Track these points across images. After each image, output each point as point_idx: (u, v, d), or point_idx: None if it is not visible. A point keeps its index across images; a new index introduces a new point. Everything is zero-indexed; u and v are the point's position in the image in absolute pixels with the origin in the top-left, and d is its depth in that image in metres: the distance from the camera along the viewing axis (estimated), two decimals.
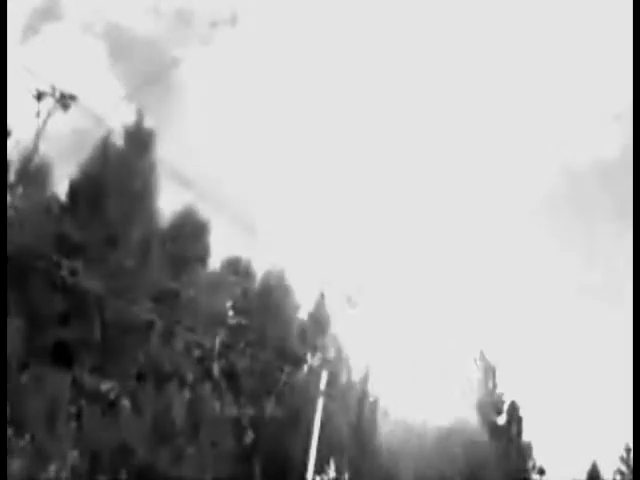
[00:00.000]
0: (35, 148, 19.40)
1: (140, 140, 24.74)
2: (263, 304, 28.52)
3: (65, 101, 17.33)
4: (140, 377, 22.67)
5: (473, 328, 40.28)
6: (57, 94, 17.62)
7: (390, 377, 34.43)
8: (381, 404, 33.87)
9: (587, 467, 45.11)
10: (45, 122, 18.00)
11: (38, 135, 18.57)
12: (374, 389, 33.84)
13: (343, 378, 31.38)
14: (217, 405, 25.08)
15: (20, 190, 21.32)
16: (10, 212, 20.36)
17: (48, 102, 17.91)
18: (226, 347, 25.94)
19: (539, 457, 44.42)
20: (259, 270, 29.89)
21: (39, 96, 17.73)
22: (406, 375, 35.72)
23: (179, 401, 23.34)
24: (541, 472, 43.96)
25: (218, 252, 27.95)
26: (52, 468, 18.87)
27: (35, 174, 22.19)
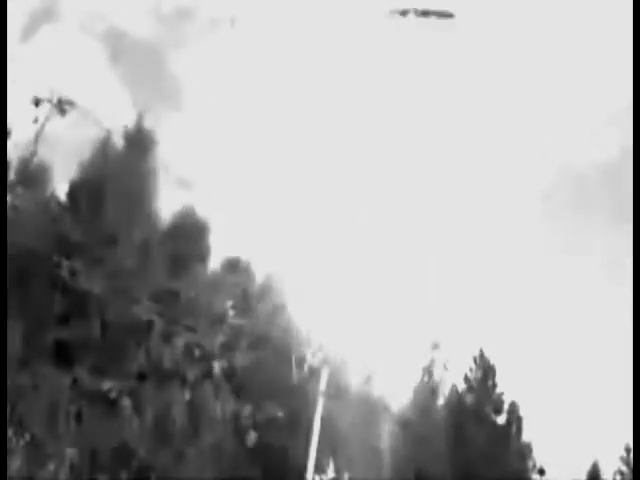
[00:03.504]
0: (34, 152, 19.45)
1: (140, 140, 24.79)
2: (263, 304, 28.57)
3: (63, 107, 17.33)
4: (140, 377, 22.68)
5: (473, 327, 40.30)
6: (55, 100, 17.62)
7: (389, 376, 34.51)
8: (381, 403, 33.95)
9: (587, 467, 45.07)
10: (43, 128, 18.02)
11: (36, 140, 18.62)
12: (374, 388, 33.92)
13: (343, 378, 31.39)
14: (217, 405, 25.09)
15: (20, 190, 21.37)
16: (10, 212, 20.39)
17: (46, 107, 17.90)
18: (226, 347, 25.95)
19: (539, 457, 44.39)
20: (259, 270, 29.97)
21: (36, 102, 17.73)
22: (406, 372, 35.90)
23: (179, 401, 23.33)
24: (541, 472, 43.88)
25: (218, 252, 28.02)
26: (52, 468, 18.88)
27: (35, 174, 22.25)
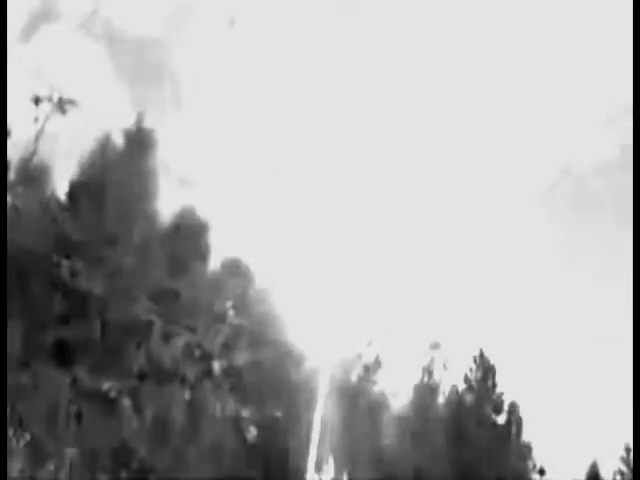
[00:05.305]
0: (34, 151, 19.44)
1: (140, 140, 24.81)
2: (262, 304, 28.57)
3: (64, 105, 17.24)
4: (140, 376, 22.69)
5: (473, 326, 40.33)
6: (55, 98, 17.52)
7: (389, 374, 34.57)
8: (381, 402, 33.97)
9: (587, 467, 45.02)
10: (43, 127, 17.98)
11: (37, 138, 18.61)
12: (374, 387, 33.94)
13: (343, 378, 31.38)
14: (217, 405, 25.09)
15: (20, 190, 21.39)
16: (10, 212, 20.42)
17: (46, 106, 17.82)
18: (226, 347, 25.94)
19: (539, 457, 44.38)
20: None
21: (37, 101, 17.62)
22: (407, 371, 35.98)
23: (179, 401, 23.34)
24: (541, 472, 43.87)
25: (218, 252, 28.03)
26: (52, 467, 18.88)
27: (35, 174, 22.26)
